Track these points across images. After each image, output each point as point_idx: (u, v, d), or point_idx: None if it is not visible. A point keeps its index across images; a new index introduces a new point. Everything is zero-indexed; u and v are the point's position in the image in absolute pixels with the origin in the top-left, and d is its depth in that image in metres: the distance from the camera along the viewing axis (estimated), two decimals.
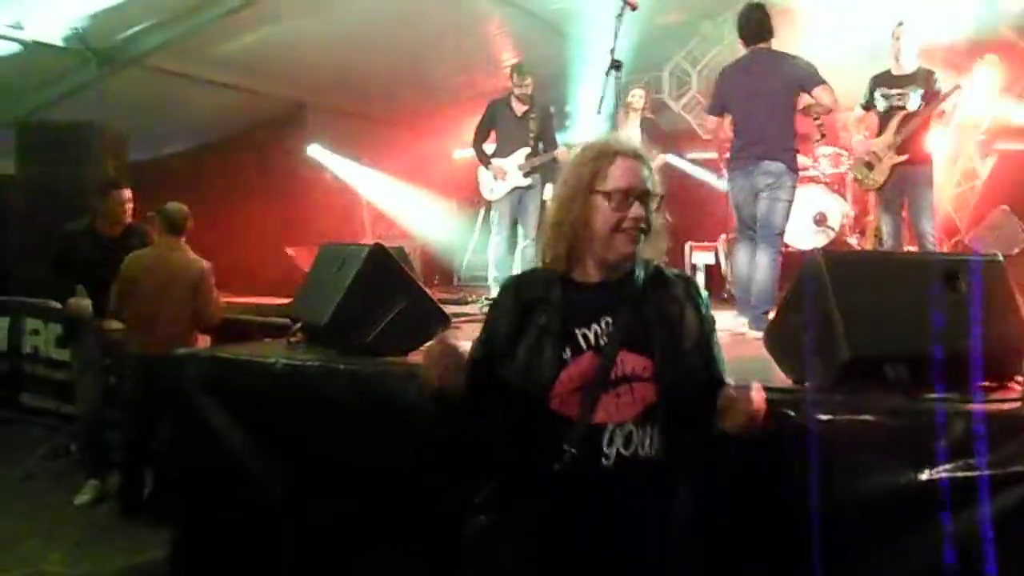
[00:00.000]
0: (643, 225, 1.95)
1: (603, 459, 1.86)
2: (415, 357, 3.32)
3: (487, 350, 2.05)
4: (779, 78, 4.69)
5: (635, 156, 1.99)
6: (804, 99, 4.81)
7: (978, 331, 2.55)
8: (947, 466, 2.27)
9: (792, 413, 2.43)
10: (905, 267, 2.83)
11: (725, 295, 6.70)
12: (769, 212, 4.64)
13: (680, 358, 1.95)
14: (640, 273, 2.01)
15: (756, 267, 4.63)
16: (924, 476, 2.28)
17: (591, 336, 1.94)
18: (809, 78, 4.64)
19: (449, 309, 4.18)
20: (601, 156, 1.99)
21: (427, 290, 3.56)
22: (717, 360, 2.06)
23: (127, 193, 5.07)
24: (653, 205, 1.98)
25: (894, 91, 5.38)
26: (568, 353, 1.92)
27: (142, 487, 4.66)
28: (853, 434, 2.38)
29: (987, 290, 2.61)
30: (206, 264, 4.79)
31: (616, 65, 4.29)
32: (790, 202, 4.67)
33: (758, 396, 1.86)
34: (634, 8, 4.32)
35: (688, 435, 1.94)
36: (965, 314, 2.56)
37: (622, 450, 1.87)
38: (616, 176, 1.95)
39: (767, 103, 4.67)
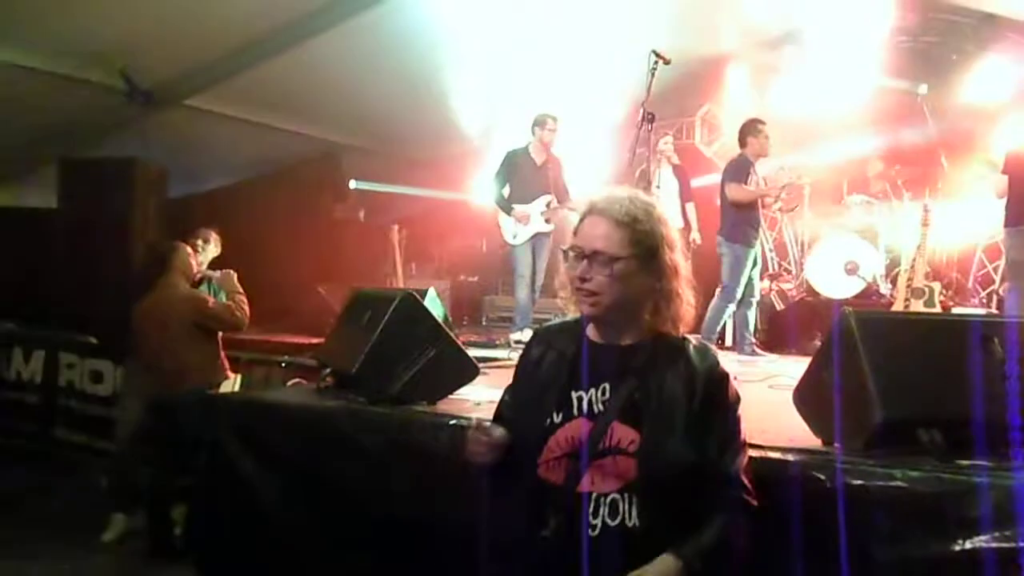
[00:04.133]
0: (584, 287, 1.85)
1: (589, 529, 1.78)
2: (444, 406, 3.33)
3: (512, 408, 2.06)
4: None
5: (600, 213, 1.88)
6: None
7: (1015, 395, 2.51)
8: (984, 537, 2.20)
9: (822, 476, 2.38)
10: (939, 328, 2.78)
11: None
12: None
13: (667, 439, 1.83)
14: (651, 342, 1.92)
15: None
16: (959, 547, 2.21)
17: (586, 401, 1.88)
18: (722, 177, 6.32)
19: (477, 352, 4.20)
20: (583, 212, 1.95)
21: (456, 337, 3.58)
22: (721, 449, 1.88)
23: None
24: (610, 267, 1.83)
25: None
26: (559, 417, 1.87)
27: (171, 528, 4.66)
28: (885, 500, 2.31)
29: (1023, 352, 2.57)
30: (197, 295, 4.89)
31: (649, 117, 4.34)
32: (729, 263, 6.18)
33: None
34: (667, 62, 4.39)
35: (673, 509, 1.82)
36: (1001, 377, 2.51)
37: (608, 520, 1.79)
38: (577, 233, 1.89)
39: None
